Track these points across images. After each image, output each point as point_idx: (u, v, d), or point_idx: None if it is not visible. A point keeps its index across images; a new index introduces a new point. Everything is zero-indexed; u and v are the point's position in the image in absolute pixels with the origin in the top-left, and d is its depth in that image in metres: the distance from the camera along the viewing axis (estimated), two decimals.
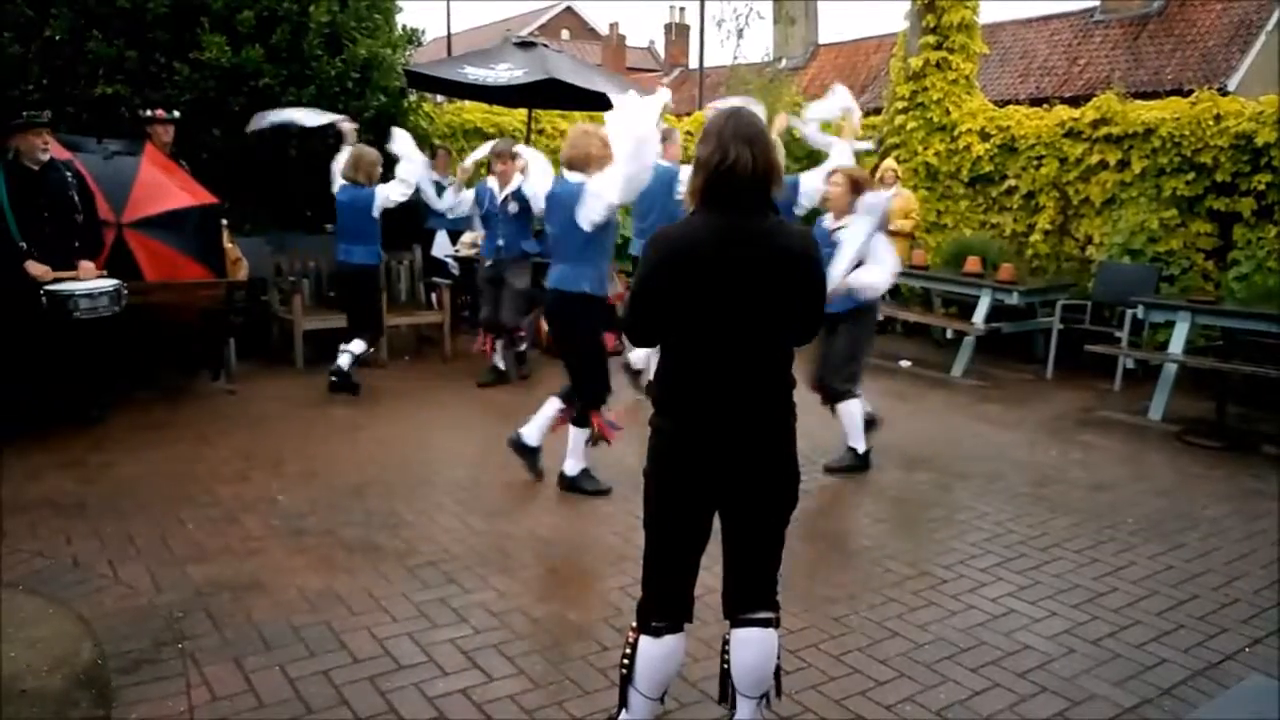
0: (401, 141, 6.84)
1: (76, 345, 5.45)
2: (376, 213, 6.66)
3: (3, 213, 5.40)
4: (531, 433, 4.96)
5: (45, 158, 5.54)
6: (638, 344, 2.62)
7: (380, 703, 2.95)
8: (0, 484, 4.66)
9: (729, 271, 2.42)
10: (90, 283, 5.49)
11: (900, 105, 10.11)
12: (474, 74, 8.32)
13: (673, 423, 2.54)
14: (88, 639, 3.27)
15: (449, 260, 8.49)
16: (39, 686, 2.98)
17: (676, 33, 32.63)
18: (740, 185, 2.43)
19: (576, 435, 4.91)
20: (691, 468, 2.51)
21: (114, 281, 5.57)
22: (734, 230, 2.44)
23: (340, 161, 6.78)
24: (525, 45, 9.04)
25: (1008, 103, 10.58)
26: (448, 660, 3.22)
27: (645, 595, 2.63)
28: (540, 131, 11.07)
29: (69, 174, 5.66)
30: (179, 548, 4.07)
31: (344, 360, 6.66)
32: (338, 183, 6.77)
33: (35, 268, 5.41)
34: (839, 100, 6.18)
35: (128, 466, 5.07)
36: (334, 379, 6.64)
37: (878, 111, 11.41)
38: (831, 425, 5.41)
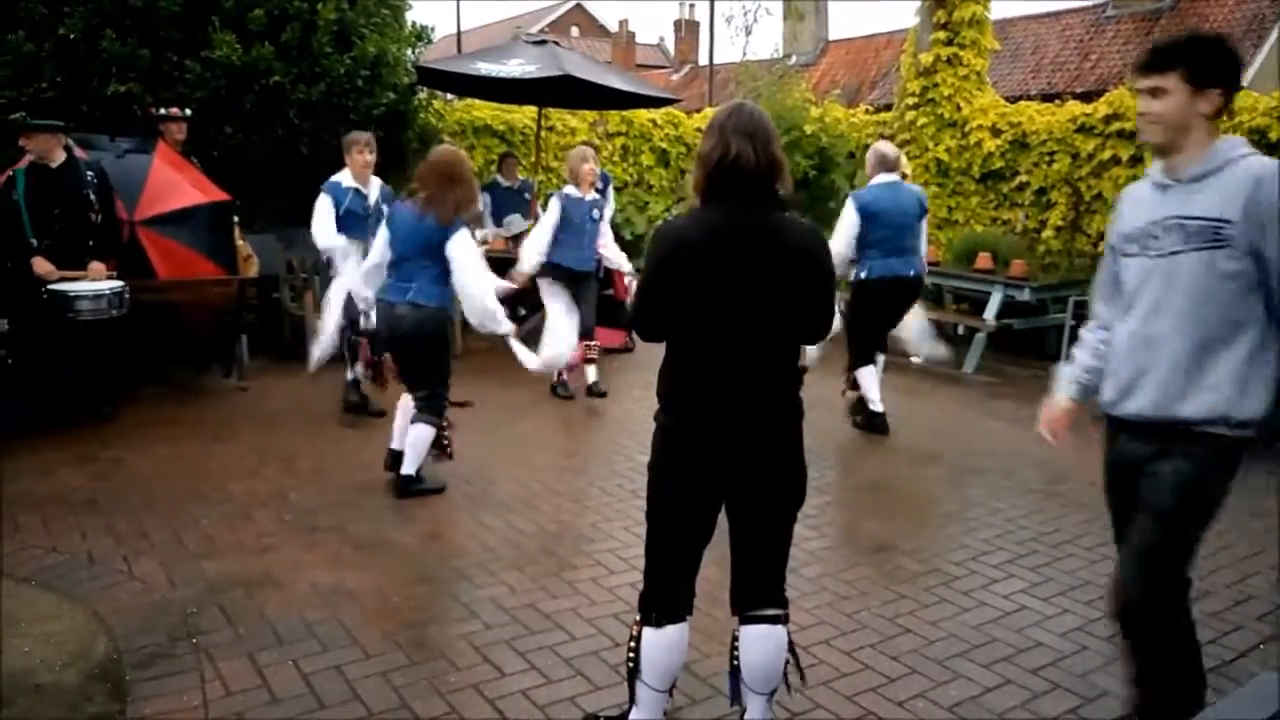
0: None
1: (78, 345, 5.45)
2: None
3: (19, 210, 5.44)
4: None
5: (62, 157, 5.57)
6: (646, 339, 2.61)
7: (393, 698, 2.96)
8: (14, 480, 4.70)
9: (729, 266, 2.40)
10: (93, 284, 5.49)
11: (911, 101, 10.08)
12: (486, 68, 8.31)
13: (675, 419, 2.54)
14: (102, 634, 3.29)
15: None
16: (54, 681, 3.00)
17: (686, 29, 32.59)
18: (742, 180, 2.42)
19: None
20: (692, 463, 2.51)
21: (118, 283, 5.57)
22: (735, 225, 2.43)
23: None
24: (537, 43, 9.04)
25: (1019, 98, 10.55)
26: (460, 655, 3.23)
27: (647, 587, 2.64)
28: (550, 129, 11.07)
29: (89, 174, 5.68)
30: (192, 543, 4.09)
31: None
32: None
33: (41, 265, 5.44)
34: None
35: (140, 463, 5.09)
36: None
37: (888, 108, 11.38)
38: (843, 420, 5.40)
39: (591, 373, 6.91)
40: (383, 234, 4.75)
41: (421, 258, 4.57)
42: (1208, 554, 4.23)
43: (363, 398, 6.22)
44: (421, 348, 4.68)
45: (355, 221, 5.92)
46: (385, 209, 5.41)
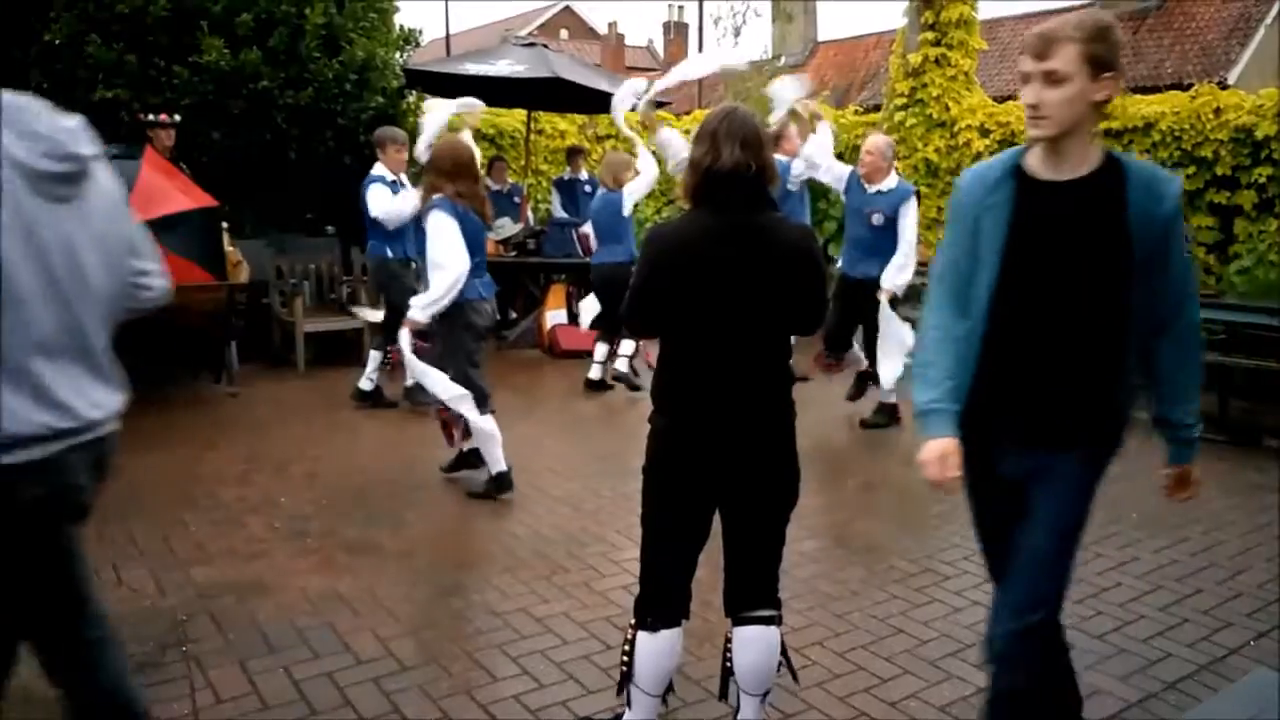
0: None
1: None
2: (626, 212, 6.91)
3: None
4: None
5: None
6: (637, 337, 2.64)
7: (384, 704, 2.95)
8: None
9: (722, 270, 2.42)
10: None
11: (899, 102, 10.10)
12: (475, 68, 8.31)
13: (670, 420, 2.54)
14: None
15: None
16: (44, 691, 2.98)
17: (675, 31, 32.65)
18: (734, 184, 2.43)
19: None
20: (688, 465, 2.51)
21: None
22: (727, 228, 2.44)
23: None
24: (526, 45, 9.05)
25: (1007, 98, 10.57)
26: (452, 661, 3.22)
27: (642, 591, 2.64)
28: (540, 132, 11.07)
29: None
30: (182, 550, 4.07)
31: (621, 364, 6.81)
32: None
33: None
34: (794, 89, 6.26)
35: (130, 469, 5.05)
36: (620, 381, 6.82)
37: (878, 108, 11.41)
38: (841, 420, 5.39)
39: (596, 368, 6.94)
40: (459, 240, 4.55)
41: (481, 251, 4.84)
42: (1198, 551, 4.27)
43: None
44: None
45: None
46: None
